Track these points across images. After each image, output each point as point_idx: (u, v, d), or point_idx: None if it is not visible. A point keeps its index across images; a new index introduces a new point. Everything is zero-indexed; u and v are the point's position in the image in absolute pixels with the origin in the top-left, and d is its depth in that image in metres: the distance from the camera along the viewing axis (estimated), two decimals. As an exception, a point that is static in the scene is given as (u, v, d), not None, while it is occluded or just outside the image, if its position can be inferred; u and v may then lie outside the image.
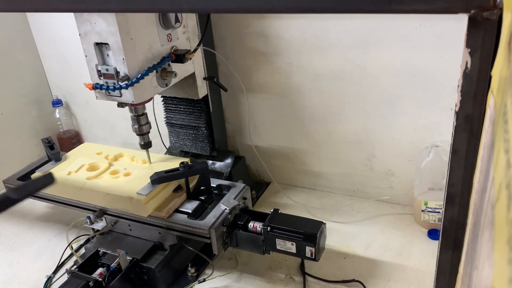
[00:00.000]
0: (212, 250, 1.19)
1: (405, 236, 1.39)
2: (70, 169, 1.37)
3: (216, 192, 1.34)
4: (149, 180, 1.23)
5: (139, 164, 1.38)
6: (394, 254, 1.32)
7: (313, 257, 1.12)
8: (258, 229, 1.18)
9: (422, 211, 1.37)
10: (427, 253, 1.30)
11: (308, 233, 1.12)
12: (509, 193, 0.35)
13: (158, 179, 1.21)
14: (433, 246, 1.32)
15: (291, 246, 1.14)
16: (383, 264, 1.29)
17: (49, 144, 1.45)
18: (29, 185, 1.25)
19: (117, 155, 1.43)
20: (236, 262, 1.33)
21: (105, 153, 1.45)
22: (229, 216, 1.21)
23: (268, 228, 1.15)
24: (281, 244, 1.15)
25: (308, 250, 1.12)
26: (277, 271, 1.29)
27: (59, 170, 1.38)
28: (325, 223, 1.16)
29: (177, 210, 1.25)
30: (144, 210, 1.20)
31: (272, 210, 1.21)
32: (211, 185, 1.32)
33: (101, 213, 1.29)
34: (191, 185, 1.29)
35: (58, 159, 1.44)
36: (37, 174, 1.39)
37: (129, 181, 1.29)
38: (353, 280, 1.22)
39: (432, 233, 1.37)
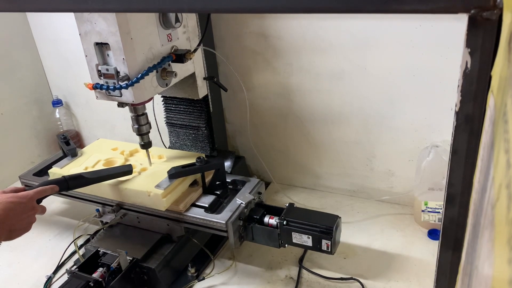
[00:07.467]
0: (229, 243, 1.20)
1: (405, 236, 1.39)
2: (86, 165, 1.38)
3: (231, 187, 1.36)
4: (165, 175, 1.24)
5: (154, 159, 1.40)
6: (394, 254, 1.32)
7: (329, 250, 1.14)
8: (274, 222, 1.19)
9: (422, 211, 1.37)
10: (427, 253, 1.30)
11: (325, 227, 1.13)
12: (509, 193, 0.35)
13: (176, 173, 1.23)
14: (433, 246, 1.32)
15: (307, 240, 1.15)
16: (383, 264, 1.29)
17: (65, 140, 1.46)
18: (107, 170, 1.27)
19: (133, 150, 1.44)
20: (235, 261, 1.33)
21: (121, 149, 1.46)
22: (245, 210, 1.22)
23: (285, 221, 1.16)
24: (297, 237, 1.16)
25: (324, 243, 1.13)
26: (277, 271, 1.29)
27: (75, 166, 1.39)
28: (340, 217, 1.16)
29: (193, 204, 1.27)
30: (162, 204, 1.22)
31: (287, 205, 1.22)
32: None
33: (118, 207, 1.30)
34: (207, 180, 1.31)
35: (74, 154, 1.45)
36: (53, 170, 1.39)
37: (146, 176, 1.30)
38: (351, 278, 1.22)
39: (432, 233, 1.37)
